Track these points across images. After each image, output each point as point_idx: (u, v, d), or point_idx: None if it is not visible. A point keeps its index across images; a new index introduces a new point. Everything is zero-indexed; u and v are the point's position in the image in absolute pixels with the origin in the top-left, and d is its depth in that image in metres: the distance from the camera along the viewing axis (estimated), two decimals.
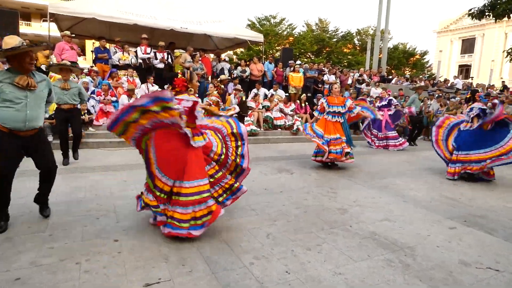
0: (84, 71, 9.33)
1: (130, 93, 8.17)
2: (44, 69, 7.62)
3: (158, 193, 2.89)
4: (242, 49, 23.96)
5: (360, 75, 14.09)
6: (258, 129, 9.24)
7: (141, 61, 9.72)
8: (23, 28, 22.74)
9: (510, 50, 12.97)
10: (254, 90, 10.26)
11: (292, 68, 11.61)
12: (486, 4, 11.91)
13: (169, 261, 2.51)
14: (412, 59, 32.61)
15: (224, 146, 3.28)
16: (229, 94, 9.78)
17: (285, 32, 29.47)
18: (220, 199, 3.15)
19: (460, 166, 5.53)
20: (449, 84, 16.92)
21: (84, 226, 3.06)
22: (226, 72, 11.06)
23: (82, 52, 10.64)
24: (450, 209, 4.09)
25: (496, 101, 6.20)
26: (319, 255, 2.71)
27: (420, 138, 11.35)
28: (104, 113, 7.97)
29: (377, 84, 13.20)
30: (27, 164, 3.10)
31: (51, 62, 8.08)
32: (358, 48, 32.28)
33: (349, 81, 13.26)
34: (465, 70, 37.45)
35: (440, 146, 5.83)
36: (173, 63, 10.35)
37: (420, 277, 2.45)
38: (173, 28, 9.92)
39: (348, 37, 31.84)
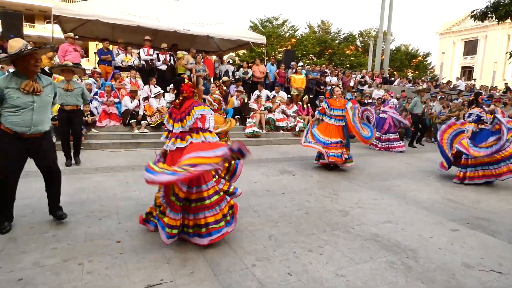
0: (87, 72, 9.39)
1: (132, 94, 8.20)
2: (47, 71, 7.66)
3: (177, 203, 2.72)
4: (244, 51, 24.02)
5: (362, 77, 14.08)
6: (260, 130, 9.24)
7: (143, 62, 9.76)
8: (27, 30, 22.88)
9: None
10: (256, 92, 10.27)
11: (294, 70, 11.62)
12: (489, 6, 11.88)
13: (171, 263, 2.51)
14: (414, 60, 32.56)
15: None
16: (231, 96, 9.80)
17: (287, 34, 29.52)
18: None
19: (472, 170, 5.46)
20: (451, 86, 16.87)
21: (87, 227, 3.08)
22: (230, 74, 11.09)
23: (86, 53, 10.70)
24: (453, 211, 4.08)
25: (493, 107, 6.09)
26: (321, 257, 2.71)
27: (423, 139, 11.32)
28: (107, 114, 8.01)
29: (379, 85, 13.19)
30: (31, 165, 3.12)
31: (54, 64, 8.13)
32: (360, 49, 32.26)
33: (351, 83, 13.24)
34: (467, 72, 37.34)
35: (444, 146, 5.79)
36: (176, 64, 10.38)
37: (423, 279, 2.44)
38: (175, 30, 9.96)
39: (350, 39, 31.84)
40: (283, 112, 10.13)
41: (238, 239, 2.98)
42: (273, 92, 10.49)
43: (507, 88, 17.47)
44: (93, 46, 18.83)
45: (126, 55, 9.71)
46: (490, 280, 2.48)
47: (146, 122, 8.11)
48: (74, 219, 3.25)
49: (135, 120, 8.04)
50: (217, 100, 5.56)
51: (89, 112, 7.49)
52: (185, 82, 2.91)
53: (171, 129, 2.95)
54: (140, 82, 9.10)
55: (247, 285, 2.27)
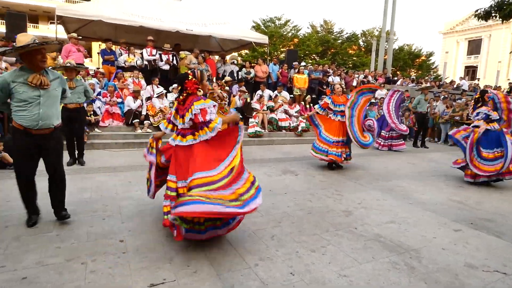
0: (90, 72, 9.43)
1: (135, 94, 8.23)
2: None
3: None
4: (247, 51, 24.02)
5: (365, 77, 14.04)
6: (263, 130, 9.24)
7: (146, 62, 9.79)
8: (31, 30, 23.04)
9: None
10: (259, 92, 10.27)
11: (296, 70, 11.61)
12: (493, 5, 11.80)
13: (174, 262, 2.52)
14: (417, 60, 32.41)
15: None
16: (234, 96, 9.81)
17: (289, 34, 29.48)
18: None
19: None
20: (455, 86, 16.78)
21: (90, 227, 3.09)
22: (234, 74, 11.10)
23: (89, 54, 10.73)
24: (457, 211, 4.05)
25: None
26: (324, 257, 2.71)
27: (426, 139, 11.27)
28: (110, 114, 8.04)
29: (382, 85, 13.14)
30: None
31: (57, 64, 8.17)
32: (363, 49, 32.15)
33: (354, 83, 13.21)
34: (471, 72, 37.13)
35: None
36: (178, 64, 10.41)
37: (426, 279, 2.43)
38: (178, 30, 9.98)
39: (353, 39, 31.75)
40: (286, 112, 10.13)
41: (240, 238, 2.98)
42: (276, 92, 10.48)
43: (511, 88, 17.35)
44: (96, 47, 18.88)
45: (129, 55, 9.74)
46: (494, 281, 2.46)
47: (149, 122, 8.14)
48: (77, 218, 3.27)
49: (138, 120, 8.07)
50: (220, 95, 5.62)
51: (92, 112, 7.52)
52: (189, 78, 2.88)
53: (176, 124, 2.98)
54: (143, 82, 9.13)
55: (249, 284, 2.27)
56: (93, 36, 11.57)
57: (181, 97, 2.91)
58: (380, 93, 12.15)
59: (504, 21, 12.06)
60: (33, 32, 24.84)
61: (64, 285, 2.17)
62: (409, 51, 31.97)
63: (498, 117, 5.44)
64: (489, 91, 5.59)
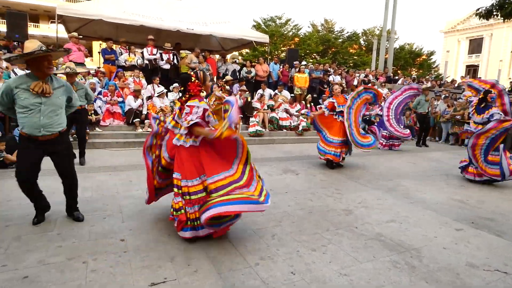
0: (91, 72, 9.44)
1: (136, 93, 8.23)
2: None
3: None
4: (247, 50, 24.01)
5: (366, 76, 14.02)
6: (263, 130, 9.24)
7: (147, 62, 9.79)
8: (32, 29, 23.01)
9: None
10: (260, 91, 10.27)
11: (297, 69, 11.60)
12: (494, 4, 11.76)
13: (175, 261, 2.52)
14: (418, 59, 32.33)
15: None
16: (235, 95, 9.80)
17: (290, 33, 29.44)
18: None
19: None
20: (456, 85, 16.75)
21: (91, 226, 3.10)
22: (236, 73, 11.09)
23: (89, 53, 10.75)
24: (458, 211, 4.05)
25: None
26: (324, 256, 2.71)
27: (427, 139, 11.26)
28: (111, 113, 8.05)
29: (383, 84, 13.13)
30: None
31: (58, 64, 8.18)
32: (364, 48, 32.10)
33: (355, 82, 13.20)
34: (472, 71, 37.03)
35: (478, 159, 5.42)
36: (179, 64, 10.41)
37: (427, 279, 2.43)
38: (179, 29, 9.98)
39: (354, 38, 31.70)
40: (286, 111, 10.12)
41: (241, 238, 2.99)
42: (276, 91, 10.47)
43: None
44: (97, 46, 18.90)
45: (129, 54, 9.74)
46: (495, 280, 2.46)
47: (149, 121, 8.13)
48: None
49: (139, 119, 8.07)
50: (222, 97, 5.62)
51: (93, 111, 7.53)
52: (192, 80, 2.89)
53: (182, 124, 2.98)
54: (143, 81, 9.13)
55: (250, 284, 2.27)
56: (94, 36, 11.57)
57: (183, 98, 2.93)
58: (381, 92, 12.12)
59: (506, 20, 12.03)
60: (34, 32, 24.91)
61: (65, 284, 2.18)
62: (410, 50, 31.90)
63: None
64: (465, 82, 5.61)
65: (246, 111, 9.43)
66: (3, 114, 6.27)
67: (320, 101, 11.37)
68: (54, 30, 11.30)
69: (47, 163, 3.08)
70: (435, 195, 4.69)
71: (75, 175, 3.27)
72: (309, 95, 10.99)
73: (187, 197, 2.80)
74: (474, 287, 2.36)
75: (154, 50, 9.81)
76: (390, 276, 2.45)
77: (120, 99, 8.29)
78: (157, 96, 8.48)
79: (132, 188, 4.37)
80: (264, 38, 12.20)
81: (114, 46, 10.04)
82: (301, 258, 2.66)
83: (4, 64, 7.34)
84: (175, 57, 10.19)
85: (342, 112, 6.00)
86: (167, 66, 9.97)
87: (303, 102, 10.88)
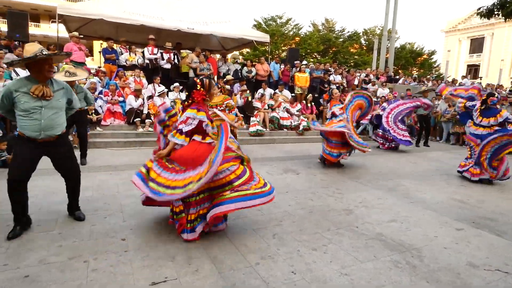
0: (91, 72, 9.44)
1: (137, 93, 8.24)
2: None
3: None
4: (248, 50, 23.99)
5: (367, 75, 14.01)
6: (264, 129, 9.24)
7: (148, 61, 9.79)
8: (32, 29, 23.03)
9: None
10: (260, 91, 10.26)
11: (298, 68, 11.59)
12: (495, 3, 11.74)
13: (176, 260, 2.52)
14: (419, 59, 32.29)
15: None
16: (235, 95, 9.81)
17: (291, 32, 29.43)
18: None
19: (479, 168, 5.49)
20: (457, 84, 16.72)
21: (92, 225, 3.10)
22: (238, 73, 11.09)
23: (90, 53, 10.76)
24: (458, 211, 4.05)
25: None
26: (325, 256, 2.71)
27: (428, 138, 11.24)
28: (112, 113, 8.05)
29: (384, 84, 13.11)
30: (38, 164, 3.13)
31: (60, 64, 8.18)
32: (364, 48, 32.09)
33: (356, 82, 13.18)
34: (473, 70, 36.98)
35: (483, 161, 5.43)
36: (180, 63, 10.41)
37: (427, 278, 2.43)
38: (179, 29, 9.97)
39: (354, 37, 31.68)
40: (287, 110, 10.12)
41: (242, 237, 2.99)
42: (277, 90, 10.47)
43: None
44: (98, 45, 18.91)
45: (130, 54, 9.75)
46: (496, 280, 2.46)
47: (150, 121, 8.14)
48: None
49: (139, 119, 8.08)
50: (232, 106, 5.83)
51: (93, 111, 7.54)
52: (197, 88, 2.94)
53: None
54: (144, 81, 9.14)
55: (251, 283, 2.28)
56: (94, 35, 11.58)
57: (186, 103, 2.99)
58: (381, 92, 12.13)
59: (507, 19, 12.01)
60: (35, 31, 24.92)
61: (66, 283, 2.18)
62: (411, 49, 31.87)
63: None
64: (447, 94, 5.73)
65: (247, 110, 9.43)
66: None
67: (321, 100, 11.37)
68: (54, 30, 11.31)
69: (46, 162, 3.08)
70: (435, 195, 4.69)
71: (79, 176, 3.27)
72: (310, 95, 10.99)
73: (192, 198, 2.82)
74: (474, 287, 2.36)
75: (155, 50, 9.82)
76: (390, 275, 2.45)
77: (121, 99, 8.29)
78: (158, 96, 8.47)
79: (133, 187, 4.32)
80: (265, 37, 12.20)
81: (114, 46, 10.05)
82: (302, 258, 2.66)
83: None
84: (175, 56, 10.20)
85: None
86: (168, 66, 9.97)
87: (304, 101, 10.87)
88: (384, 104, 9.21)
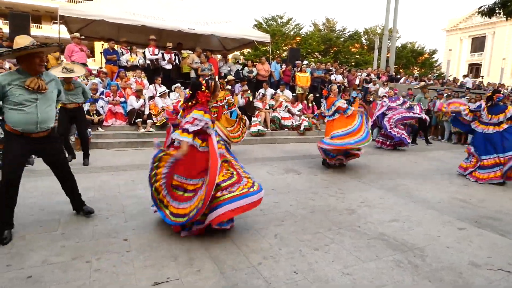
0: (93, 72, 9.47)
1: (138, 93, 8.25)
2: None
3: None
4: (249, 50, 24.00)
5: (368, 75, 13.99)
6: (265, 129, 9.24)
7: (149, 62, 9.81)
8: (34, 30, 23.11)
9: None
10: (262, 91, 10.27)
11: (299, 68, 11.59)
12: (497, 2, 11.70)
13: (178, 261, 2.53)
14: (420, 58, 32.23)
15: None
16: (236, 95, 9.81)
17: (292, 32, 29.43)
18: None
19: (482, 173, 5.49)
20: (458, 83, 16.68)
21: (94, 226, 3.11)
22: (240, 73, 11.10)
23: (91, 53, 10.81)
24: (460, 210, 4.04)
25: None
26: (327, 255, 2.71)
27: (429, 138, 11.22)
28: (113, 114, 8.06)
29: (385, 83, 13.09)
30: (37, 164, 3.16)
31: (61, 61, 8.21)
32: (365, 47, 32.06)
33: (357, 81, 13.17)
34: (475, 69, 36.87)
35: None
36: (181, 64, 10.42)
37: (430, 278, 2.43)
38: (180, 29, 9.99)
39: (355, 37, 31.65)
40: (288, 110, 10.12)
41: (243, 237, 2.99)
42: (278, 90, 10.47)
43: None
44: (99, 46, 18.97)
45: (131, 54, 9.77)
46: (498, 279, 2.45)
47: (152, 121, 8.16)
48: (81, 217, 3.29)
49: (141, 120, 8.09)
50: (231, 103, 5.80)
51: (95, 112, 7.55)
52: (202, 89, 2.94)
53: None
54: (145, 81, 9.16)
55: (253, 283, 2.28)
56: (96, 36, 11.61)
57: (190, 103, 2.98)
58: (383, 91, 12.10)
59: (508, 18, 11.95)
60: (36, 32, 24.98)
61: (69, 283, 2.19)
62: (412, 48, 31.82)
63: None
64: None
65: (248, 110, 9.43)
66: (2, 116, 6.29)
67: (322, 100, 11.34)
68: (56, 31, 11.33)
69: (42, 164, 3.08)
70: (437, 194, 4.68)
71: (70, 170, 3.25)
72: (311, 95, 10.98)
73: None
74: (477, 286, 2.36)
75: (156, 50, 9.83)
76: (393, 275, 2.45)
77: (122, 99, 8.30)
78: (159, 96, 8.49)
79: (134, 188, 4.38)
80: (266, 37, 12.20)
81: (116, 47, 10.08)
82: (304, 258, 2.66)
83: (7, 65, 7.38)
84: (176, 57, 10.21)
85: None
86: (169, 66, 9.99)
87: (305, 101, 10.87)
88: (385, 100, 9.12)
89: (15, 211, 2.90)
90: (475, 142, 5.66)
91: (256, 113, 9.46)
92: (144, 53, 9.95)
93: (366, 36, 32.68)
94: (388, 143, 8.75)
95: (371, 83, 13.10)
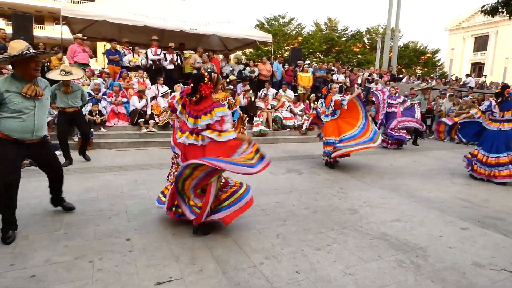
0: (95, 73, 9.50)
1: (140, 94, 8.27)
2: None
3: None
4: (251, 50, 24.00)
5: (370, 75, 13.95)
6: (267, 129, 9.24)
7: (151, 62, 9.83)
8: (37, 31, 23.21)
9: None
10: (264, 90, 10.27)
11: (301, 68, 11.58)
12: (500, 1, 11.65)
13: (180, 260, 2.53)
14: (423, 57, 32.11)
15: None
16: (238, 95, 9.81)
17: (294, 32, 29.38)
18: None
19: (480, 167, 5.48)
20: (461, 83, 16.62)
21: (97, 225, 3.12)
22: (242, 74, 11.11)
23: (94, 54, 10.86)
24: (463, 210, 4.02)
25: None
26: (329, 255, 2.70)
27: (431, 137, 11.20)
28: (115, 114, 8.10)
29: (388, 83, 13.05)
30: None
31: (62, 63, 8.24)
32: (368, 47, 31.94)
33: (359, 81, 13.14)
34: (478, 68, 36.70)
35: None
36: (183, 64, 10.43)
37: (432, 278, 2.42)
38: (182, 29, 10.00)
39: (357, 36, 31.55)
40: (291, 110, 10.11)
41: (246, 237, 2.99)
42: (280, 90, 10.46)
43: None
44: (101, 47, 19.03)
45: (133, 55, 9.79)
46: (502, 280, 2.44)
47: (154, 121, 8.18)
48: (84, 217, 3.30)
49: (143, 120, 8.11)
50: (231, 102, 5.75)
51: (97, 112, 7.58)
52: (205, 81, 2.86)
53: (184, 120, 3.00)
54: (147, 81, 9.18)
55: (255, 283, 2.28)
56: (98, 36, 11.64)
57: (194, 98, 2.88)
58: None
59: (511, 16, 11.90)
60: (39, 33, 25.10)
61: (72, 283, 2.20)
62: (414, 48, 31.69)
63: None
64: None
65: (250, 110, 9.43)
66: None
67: (320, 100, 11.32)
68: (58, 32, 11.40)
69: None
70: (440, 194, 4.66)
71: (63, 171, 3.29)
72: (313, 94, 10.97)
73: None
74: (480, 287, 2.35)
75: (158, 51, 9.85)
76: (395, 275, 2.44)
77: (124, 100, 8.33)
78: (161, 96, 8.51)
79: (137, 187, 4.39)
80: (268, 37, 12.19)
81: (118, 47, 10.11)
82: (306, 258, 2.65)
83: (10, 66, 7.40)
84: (178, 57, 10.22)
85: (333, 112, 6.04)
86: (171, 67, 10.01)
87: (307, 101, 10.86)
88: (385, 97, 9.06)
89: (19, 210, 2.91)
90: (485, 141, 5.51)
91: (258, 113, 9.46)
92: (146, 53, 9.97)
93: (368, 36, 32.57)
94: (390, 142, 8.75)
95: (374, 83, 13.06)
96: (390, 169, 6.25)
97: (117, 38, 10.42)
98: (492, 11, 11.88)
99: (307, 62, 12.65)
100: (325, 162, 6.17)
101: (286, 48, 27.44)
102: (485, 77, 23.57)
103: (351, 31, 31.72)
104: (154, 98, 8.63)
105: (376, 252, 2.79)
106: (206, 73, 2.94)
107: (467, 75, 20.10)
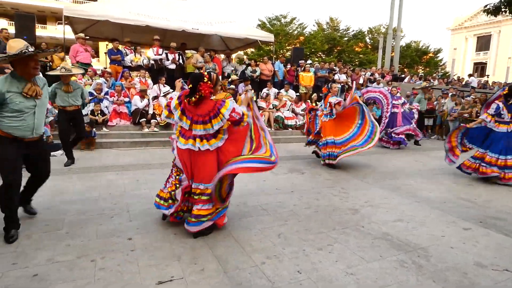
0: (97, 72, 9.53)
1: (142, 93, 8.29)
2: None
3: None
4: (252, 49, 24.00)
5: (372, 74, 13.93)
6: (269, 129, 9.23)
7: (153, 62, 9.85)
8: (39, 31, 23.32)
9: None
10: (265, 90, 10.27)
11: (302, 68, 11.58)
12: (502, 0, 11.60)
13: (182, 260, 2.54)
14: (425, 57, 32.02)
15: None
16: (240, 94, 9.81)
17: (295, 32, 29.38)
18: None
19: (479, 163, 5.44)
20: (463, 83, 16.56)
21: (99, 225, 3.13)
22: (245, 73, 11.11)
23: (96, 54, 10.88)
24: (465, 210, 4.01)
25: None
26: (331, 255, 2.70)
27: (433, 137, 11.17)
28: (117, 113, 8.11)
29: (390, 83, 13.02)
30: None
31: (64, 59, 8.27)
32: (369, 47, 31.88)
33: (361, 81, 13.12)
34: (480, 68, 36.56)
35: None
36: (185, 64, 10.45)
37: (434, 278, 2.42)
38: (184, 29, 10.01)
39: (359, 36, 31.51)
40: (292, 110, 10.11)
41: (247, 236, 3.00)
42: (282, 90, 10.45)
43: None
44: (103, 46, 19.04)
45: (135, 54, 9.81)
46: (504, 280, 2.43)
47: (156, 121, 8.19)
48: (86, 217, 3.31)
49: (145, 119, 8.13)
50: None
51: (99, 112, 7.60)
52: (205, 81, 2.80)
53: (186, 127, 2.89)
54: (149, 81, 9.19)
55: (256, 282, 2.28)
56: (100, 36, 11.67)
57: (193, 98, 2.80)
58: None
59: None
60: (42, 33, 25.19)
61: (74, 282, 2.21)
62: (416, 48, 31.62)
63: None
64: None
65: None
66: None
67: (320, 102, 11.32)
68: (61, 31, 11.41)
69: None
70: (442, 194, 4.65)
71: (49, 174, 3.25)
72: (315, 94, 10.97)
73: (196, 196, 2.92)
74: (482, 287, 2.34)
75: (160, 50, 9.87)
76: (397, 275, 2.44)
77: (126, 99, 8.35)
78: (163, 96, 8.52)
79: (139, 187, 4.40)
80: (269, 37, 12.19)
81: (120, 47, 10.13)
82: (307, 257, 2.66)
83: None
84: (180, 57, 10.24)
85: (330, 112, 6.11)
86: (173, 66, 10.02)
87: (309, 101, 10.85)
88: (389, 102, 9.04)
89: (20, 210, 2.92)
90: (493, 143, 5.42)
91: (259, 113, 9.45)
92: (148, 53, 9.99)
93: (370, 36, 32.53)
94: (392, 142, 8.74)
95: (375, 83, 13.03)
96: (391, 169, 6.24)
97: (119, 38, 10.45)
98: (494, 11, 11.84)
99: (309, 62, 12.63)
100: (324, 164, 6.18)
101: (288, 47, 27.43)
102: (488, 77, 23.49)
103: (353, 30, 31.73)
104: (156, 97, 8.64)
105: (378, 252, 2.79)
106: (206, 73, 2.91)
107: (470, 75, 20.03)
